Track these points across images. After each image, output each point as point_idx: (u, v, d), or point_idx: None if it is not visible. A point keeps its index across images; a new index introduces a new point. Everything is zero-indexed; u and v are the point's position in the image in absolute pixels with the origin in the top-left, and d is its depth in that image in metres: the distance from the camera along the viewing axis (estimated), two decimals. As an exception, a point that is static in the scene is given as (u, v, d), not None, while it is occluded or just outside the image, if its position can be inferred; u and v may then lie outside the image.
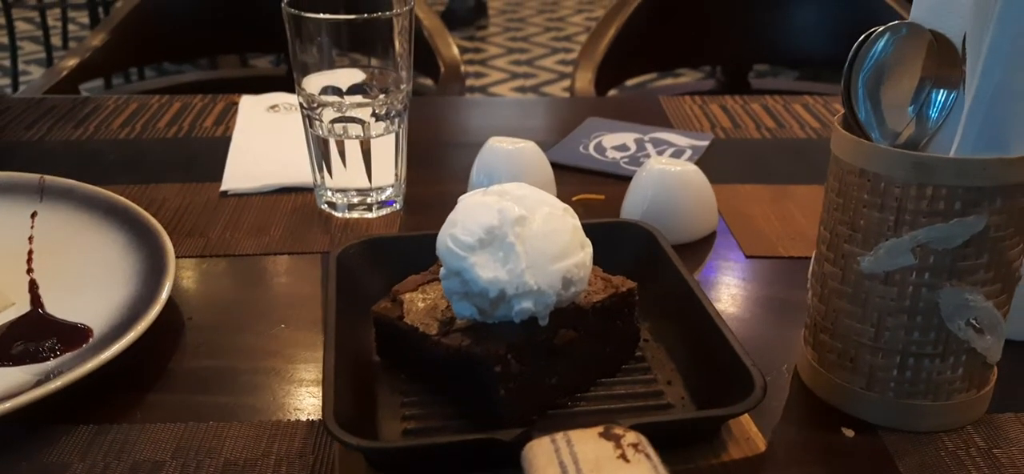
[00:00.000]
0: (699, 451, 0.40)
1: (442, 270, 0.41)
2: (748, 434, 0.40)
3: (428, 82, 1.30)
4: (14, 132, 0.84)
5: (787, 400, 0.48)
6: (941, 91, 0.44)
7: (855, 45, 0.44)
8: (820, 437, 0.45)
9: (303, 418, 0.46)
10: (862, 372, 0.45)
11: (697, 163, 0.73)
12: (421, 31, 1.24)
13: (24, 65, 3.51)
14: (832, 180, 0.45)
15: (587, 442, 0.32)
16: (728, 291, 0.59)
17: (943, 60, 0.44)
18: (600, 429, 0.33)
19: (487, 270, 0.38)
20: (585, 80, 1.20)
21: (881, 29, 0.44)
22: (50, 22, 3.49)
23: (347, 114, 0.64)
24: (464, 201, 0.41)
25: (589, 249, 0.42)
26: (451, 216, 0.40)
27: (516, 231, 0.39)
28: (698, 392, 0.44)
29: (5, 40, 3.31)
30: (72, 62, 1.20)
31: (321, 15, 0.61)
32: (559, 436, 0.33)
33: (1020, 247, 0.43)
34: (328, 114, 0.64)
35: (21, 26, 3.81)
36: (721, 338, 0.42)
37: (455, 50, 1.24)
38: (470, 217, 0.39)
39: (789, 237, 0.64)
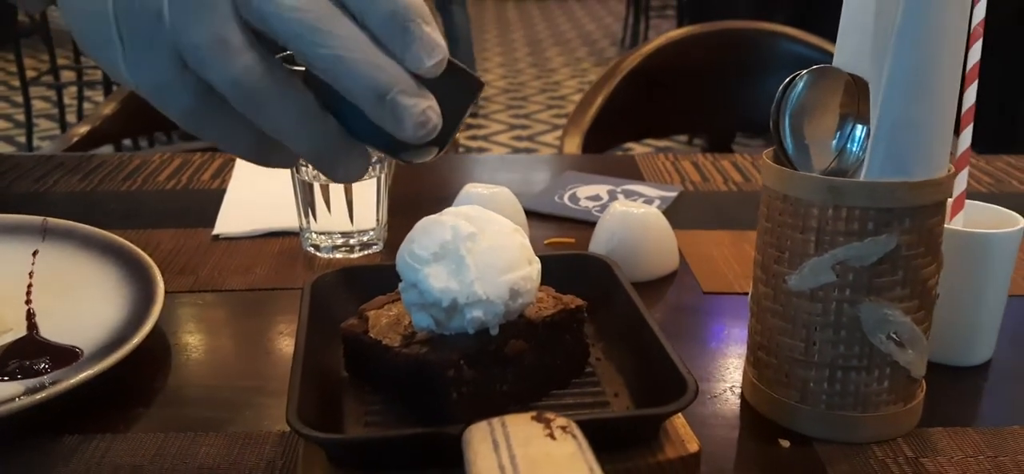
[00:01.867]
0: (637, 452, 0.43)
1: (401, 284, 0.45)
2: (682, 436, 0.43)
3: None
4: (22, 185, 0.89)
5: (731, 417, 0.51)
6: (860, 126, 0.49)
7: (781, 87, 0.48)
8: (757, 448, 0.48)
9: (274, 429, 0.49)
10: (796, 386, 0.48)
11: (664, 211, 0.78)
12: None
13: (38, 141, 3.61)
14: (763, 207, 0.49)
15: (519, 424, 0.35)
16: (684, 322, 0.62)
17: (861, 98, 0.48)
18: (533, 414, 0.36)
19: (440, 280, 0.42)
20: (573, 145, 1.25)
21: (803, 72, 0.48)
22: (66, 100, 3.61)
23: (331, 161, 0.69)
24: (422, 221, 0.45)
25: (537, 265, 0.45)
26: (410, 234, 0.44)
27: (467, 245, 0.43)
28: (642, 403, 0.47)
29: (21, 117, 3.42)
30: (83, 129, 1.26)
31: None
32: (495, 420, 0.36)
33: (934, 266, 0.46)
34: (313, 161, 0.69)
35: (38, 104, 3.93)
36: (661, 349, 0.46)
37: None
38: (425, 234, 0.43)
39: (745, 276, 0.68)
